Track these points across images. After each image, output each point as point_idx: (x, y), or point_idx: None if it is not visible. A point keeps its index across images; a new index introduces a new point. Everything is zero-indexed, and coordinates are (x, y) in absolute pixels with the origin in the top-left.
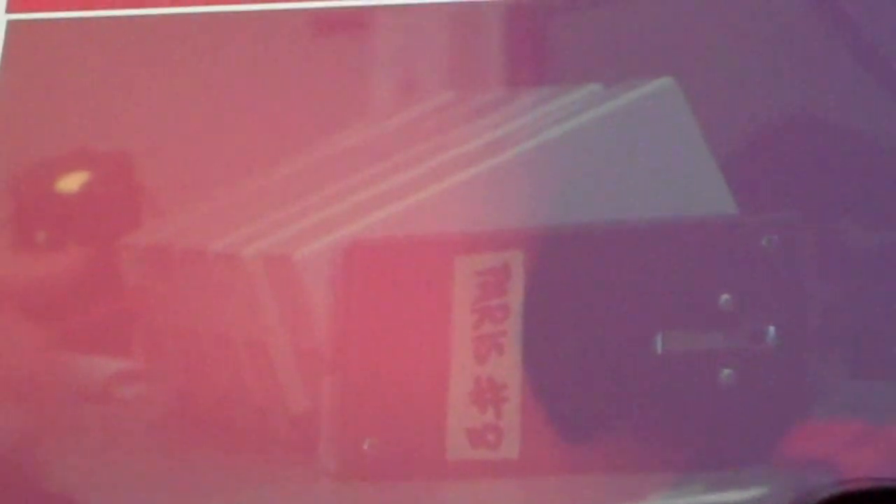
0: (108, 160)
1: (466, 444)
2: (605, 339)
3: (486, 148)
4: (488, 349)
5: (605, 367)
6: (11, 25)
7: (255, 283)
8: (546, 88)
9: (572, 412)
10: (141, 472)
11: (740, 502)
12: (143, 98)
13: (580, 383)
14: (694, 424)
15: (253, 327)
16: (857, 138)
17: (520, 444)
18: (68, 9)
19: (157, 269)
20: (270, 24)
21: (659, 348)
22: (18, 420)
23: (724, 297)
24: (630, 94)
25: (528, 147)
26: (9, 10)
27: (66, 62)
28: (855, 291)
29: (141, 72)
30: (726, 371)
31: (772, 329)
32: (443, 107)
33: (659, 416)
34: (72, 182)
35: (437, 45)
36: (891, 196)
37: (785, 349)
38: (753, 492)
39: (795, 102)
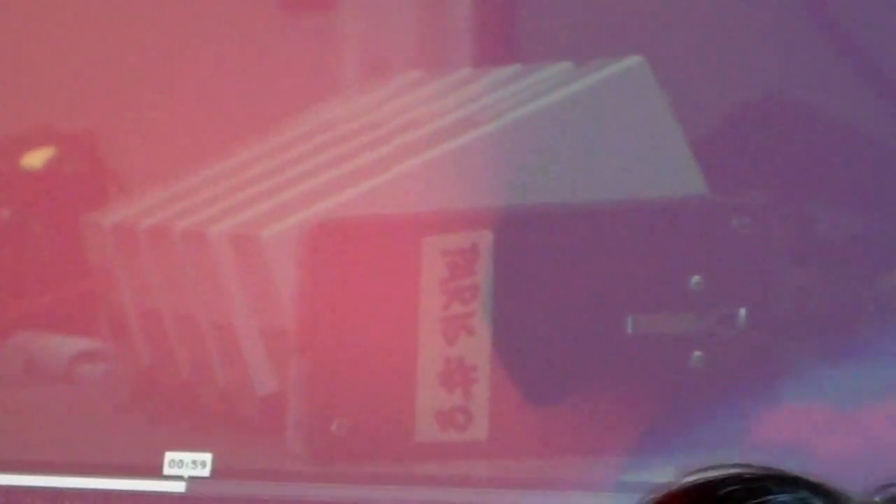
0: (72, 138)
1: (435, 426)
2: (576, 320)
3: (454, 127)
4: (457, 330)
5: (575, 348)
6: None
7: (221, 263)
8: (515, 67)
9: (542, 393)
10: (105, 451)
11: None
12: (109, 77)
13: (550, 365)
14: (664, 406)
15: (219, 307)
16: (828, 121)
17: (489, 426)
18: None
19: (122, 248)
20: (239, 4)
21: (629, 329)
22: None
23: (695, 278)
24: (599, 72)
25: (496, 126)
26: None
27: (33, 37)
28: (825, 274)
29: (107, 49)
30: (697, 353)
31: (742, 312)
32: (410, 85)
33: (629, 397)
34: (35, 159)
35: (404, 23)
36: (862, 179)
37: (755, 332)
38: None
39: (767, 83)
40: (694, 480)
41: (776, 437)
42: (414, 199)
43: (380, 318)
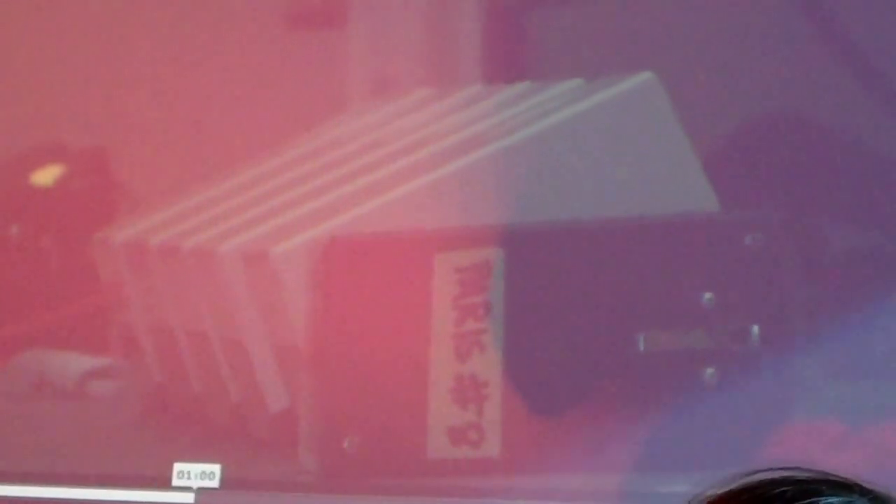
0: (82, 155)
1: (447, 443)
2: (588, 337)
3: (465, 144)
4: (470, 346)
5: (587, 365)
6: None
7: (231, 280)
8: (526, 84)
9: (554, 410)
10: (115, 463)
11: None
12: (119, 94)
13: (562, 381)
14: (676, 424)
15: (230, 324)
16: (840, 137)
17: (501, 443)
18: None
19: (132, 266)
20: (249, 22)
21: (642, 347)
22: None
23: (707, 295)
24: (611, 89)
25: (508, 143)
26: None
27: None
28: (838, 291)
29: (117, 66)
30: (709, 370)
31: (755, 328)
32: (421, 102)
33: (641, 413)
34: (45, 176)
35: (414, 40)
36: (875, 196)
37: (768, 349)
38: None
39: (778, 100)
40: (747, 481)
41: (789, 452)
42: (426, 216)
43: (391, 335)
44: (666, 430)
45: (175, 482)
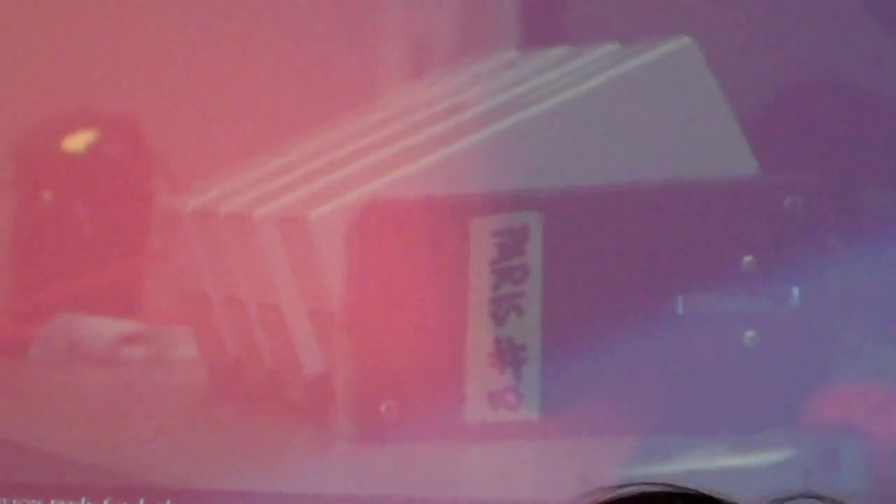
0: (117, 121)
1: (486, 406)
2: (626, 300)
3: (502, 108)
4: (507, 310)
5: (625, 328)
6: None
7: (267, 245)
8: (563, 48)
9: (593, 373)
10: (152, 435)
11: (763, 465)
12: (157, 61)
13: (600, 344)
14: (717, 387)
15: (266, 289)
16: (880, 100)
17: (540, 406)
18: None
19: (168, 231)
20: None
21: (681, 310)
22: (25, 381)
23: (747, 258)
24: (648, 53)
25: (545, 107)
26: None
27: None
28: (877, 253)
29: (156, 36)
30: (749, 333)
31: (795, 291)
32: (459, 68)
33: (681, 378)
34: (79, 142)
35: (450, 5)
36: None
37: (808, 311)
38: (776, 455)
39: (817, 62)
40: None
41: (830, 416)
42: (463, 179)
43: (429, 299)
44: (705, 394)
45: None
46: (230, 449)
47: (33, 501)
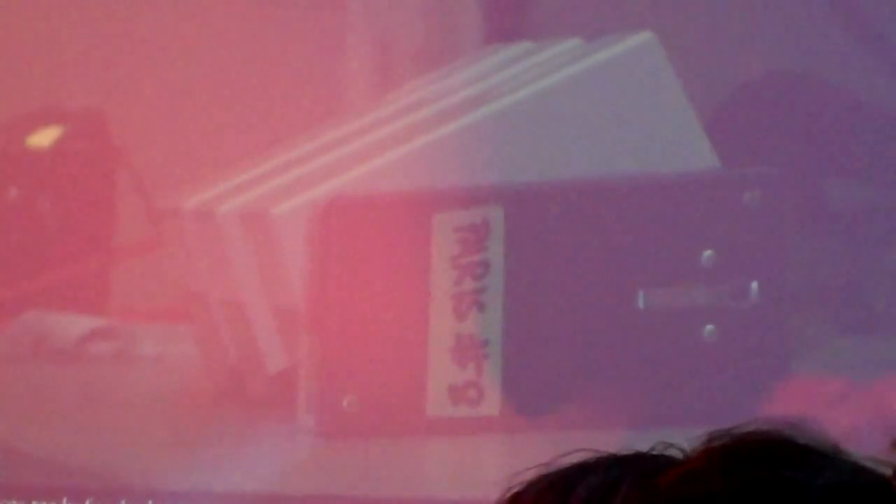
0: (82, 117)
1: (447, 401)
2: (587, 294)
3: (464, 104)
4: (468, 306)
5: (586, 323)
6: None
7: (230, 241)
8: (525, 44)
9: (554, 368)
10: (116, 431)
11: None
12: (123, 58)
13: (561, 339)
14: (676, 380)
15: (229, 285)
16: (839, 94)
17: (501, 401)
18: None
19: (131, 228)
20: None
21: (641, 304)
22: None
23: (707, 253)
24: (610, 49)
25: (507, 102)
26: None
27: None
28: (837, 247)
29: (123, 33)
30: (709, 327)
31: (754, 285)
32: (420, 62)
33: (641, 372)
34: (44, 138)
35: (415, 3)
36: (873, 152)
37: (767, 305)
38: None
39: (777, 58)
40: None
41: (788, 408)
42: (424, 175)
43: (391, 295)
44: (666, 387)
45: None
46: (192, 447)
47: (13, 502)
